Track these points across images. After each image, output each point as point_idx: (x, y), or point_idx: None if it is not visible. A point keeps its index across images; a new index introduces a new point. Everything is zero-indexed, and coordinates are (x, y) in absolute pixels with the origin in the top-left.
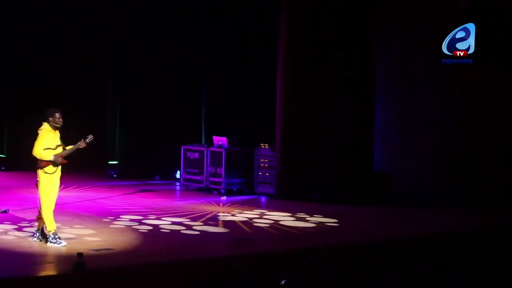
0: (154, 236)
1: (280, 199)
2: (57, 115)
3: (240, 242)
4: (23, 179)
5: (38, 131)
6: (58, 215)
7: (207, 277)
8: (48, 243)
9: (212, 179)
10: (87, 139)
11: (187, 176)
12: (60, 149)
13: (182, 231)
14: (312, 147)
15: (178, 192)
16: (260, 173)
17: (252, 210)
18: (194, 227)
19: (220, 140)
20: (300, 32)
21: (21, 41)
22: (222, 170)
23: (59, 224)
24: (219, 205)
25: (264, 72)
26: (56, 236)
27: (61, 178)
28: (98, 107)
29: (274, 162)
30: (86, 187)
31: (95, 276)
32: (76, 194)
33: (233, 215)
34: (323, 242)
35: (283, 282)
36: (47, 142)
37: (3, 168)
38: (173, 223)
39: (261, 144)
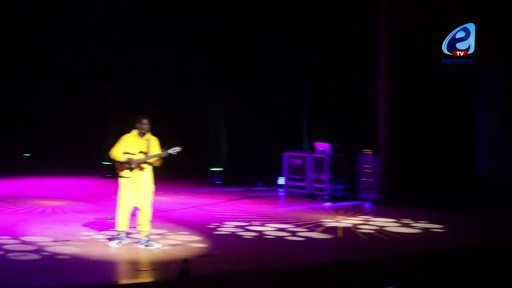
0: (259, 242)
1: (384, 205)
2: (143, 121)
3: (346, 248)
4: None
5: None
6: (164, 222)
7: (312, 283)
8: (110, 242)
9: (315, 185)
10: (172, 150)
11: (290, 183)
12: (141, 155)
13: (286, 237)
14: (415, 152)
15: (281, 198)
16: (363, 179)
17: (356, 216)
18: (298, 233)
19: (323, 146)
20: (401, 40)
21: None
22: (325, 176)
23: (164, 231)
24: (323, 211)
25: (366, 78)
26: (118, 237)
27: (167, 184)
28: (201, 115)
29: (377, 168)
30: (190, 194)
31: (201, 282)
32: (181, 201)
33: (337, 221)
34: (430, 248)
35: None
36: (127, 146)
37: (109, 175)
38: (278, 229)
39: (364, 150)
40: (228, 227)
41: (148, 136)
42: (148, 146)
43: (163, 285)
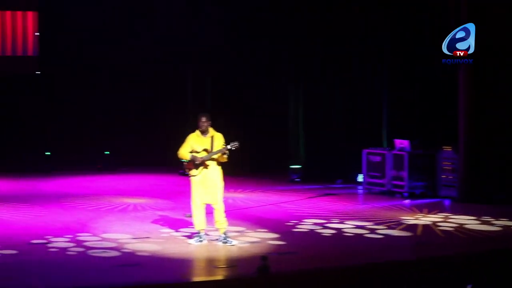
0: (338, 239)
1: (464, 202)
2: (202, 119)
3: (425, 245)
4: None
5: None
6: (242, 219)
7: (391, 280)
8: (190, 240)
9: (394, 182)
10: (231, 145)
11: (369, 180)
12: (204, 153)
13: (365, 235)
14: (496, 149)
15: (360, 195)
16: (443, 176)
17: (435, 214)
18: (377, 231)
19: (402, 143)
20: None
21: None
22: (404, 173)
23: (243, 228)
24: (402, 208)
25: (444, 74)
26: (198, 235)
27: (245, 181)
28: (281, 113)
29: (457, 165)
30: (269, 191)
31: (279, 279)
32: (259, 198)
33: (416, 218)
34: (511, 246)
35: (469, 287)
36: (191, 145)
37: (187, 173)
38: (356, 226)
39: (444, 147)
40: (307, 225)
41: (212, 133)
42: (211, 143)
43: (241, 282)
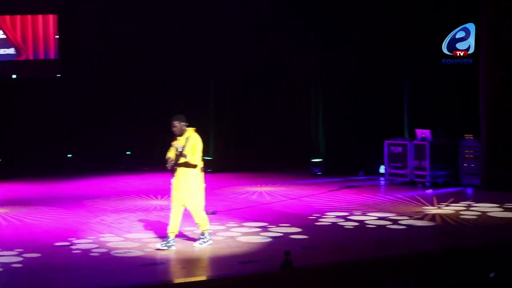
0: (360, 232)
1: (487, 190)
2: (171, 123)
3: (449, 235)
4: (229, 181)
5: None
6: (265, 214)
7: (416, 271)
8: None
9: (416, 172)
10: (180, 149)
11: (391, 171)
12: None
13: (388, 226)
14: None
15: (382, 187)
16: (465, 165)
17: (458, 202)
18: (400, 222)
19: (423, 133)
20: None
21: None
22: (426, 163)
23: (265, 223)
24: (425, 198)
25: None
26: (165, 239)
27: (265, 176)
28: (301, 105)
29: (480, 153)
30: (290, 186)
31: (303, 274)
32: (282, 193)
33: (439, 208)
34: None
35: (492, 275)
36: (174, 147)
37: (209, 170)
38: (379, 218)
39: (466, 135)
40: (329, 218)
41: (188, 134)
42: (184, 145)
43: (265, 277)
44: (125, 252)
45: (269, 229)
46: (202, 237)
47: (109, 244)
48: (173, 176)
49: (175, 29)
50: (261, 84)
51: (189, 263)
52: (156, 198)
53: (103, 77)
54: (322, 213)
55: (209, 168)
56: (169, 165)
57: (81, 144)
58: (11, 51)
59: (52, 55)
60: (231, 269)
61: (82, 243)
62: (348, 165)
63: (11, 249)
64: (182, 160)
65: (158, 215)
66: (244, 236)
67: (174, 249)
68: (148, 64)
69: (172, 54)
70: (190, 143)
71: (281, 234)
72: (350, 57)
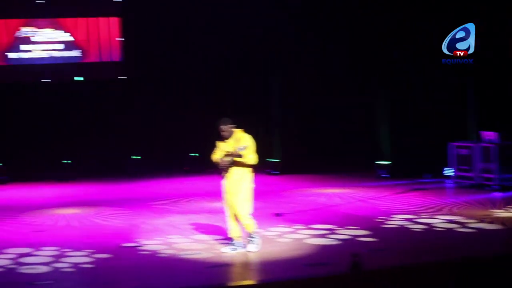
0: (428, 234)
1: None
2: (219, 128)
3: None
4: (295, 183)
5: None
6: (332, 216)
7: (484, 275)
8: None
9: (483, 175)
10: (239, 148)
11: (458, 173)
12: (228, 157)
13: (456, 229)
14: None
15: (449, 189)
16: None
17: None
18: (468, 225)
19: (489, 136)
20: None
21: None
22: (494, 166)
23: (333, 226)
24: (493, 201)
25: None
26: (230, 242)
27: (331, 178)
28: (367, 108)
29: None
30: (357, 188)
31: (371, 276)
32: (348, 195)
33: (507, 211)
34: None
35: None
36: (221, 148)
37: (276, 172)
38: (447, 221)
39: None
40: (396, 220)
41: (238, 136)
42: (235, 146)
43: (333, 279)
44: (192, 254)
45: (336, 231)
46: (251, 238)
47: (176, 246)
48: (223, 178)
49: (238, 32)
50: (326, 85)
51: (256, 266)
52: (222, 200)
53: (166, 79)
54: (389, 215)
55: (275, 170)
56: (222, 166)
57: (145, 145)
58: (76, 53)
59: (115, 57)
60: (299, 272)
61: (150, 244)
62: (414, 168)
63: (81, 250)
64: (238, 159)
65: (224, 217)
66: (311, 238)
67: (241, 251)
68: (210, 66)
69: (235, 56)
70: (244, 144)
71: (349, 237)
72: (414, 58)
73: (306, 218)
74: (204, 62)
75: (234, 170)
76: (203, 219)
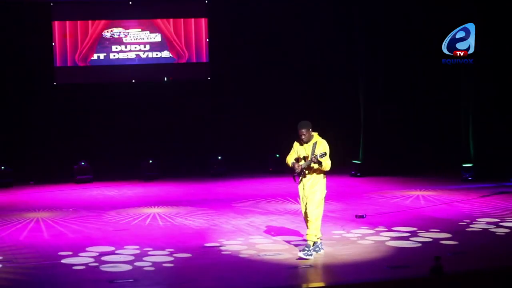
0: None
1: None
2: (299, 131)
3: None
4: (378, 185)
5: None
6: (415, 219)
7: None
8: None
9: None
10: (319, 155)
11: None
12: (304, 161)
13: None
14: None
15: None
16: None
17: None
18: None
19: None
20: None
21: None
22: None
23: (415, 228)
24: None
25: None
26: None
27: (415, 181)
28: (452, 111)
29: None
30: (441, 191)
31: (453, 280)
32: (432, 198)
33: None
34: None
35: None
36: (296, 151)
37: (358, 174)
38: None
39: None
40: (480, 224)
41: (315, 139)
42: (312, 150)
43: (415, 282)
44: (273, 255)
45: (419, 234)
46: (306, 248)
47: (258, 246)
48: (298, 182)
49: (325, 35)
50: (409, 87)
51: (337, 268)
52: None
53: (251, 80)
54: (473, 218)
55: (358, 171)
56: (298, 170)
57: (229, 145)
58: (166, 54)
59: (203, 58)
60: (382, 274)
61: (231, 244)
62: (499, 171)
63: (163, 249)
64: (315, 166)
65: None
66: (393, 240)
67: (322, 253)
68: (296, 68)
69: (321, 57)
70: (319, 149)
71: (431, 239)
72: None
73: (388, 220)
74: (290, 61)
75: (309, 175)
76: (285, 221)
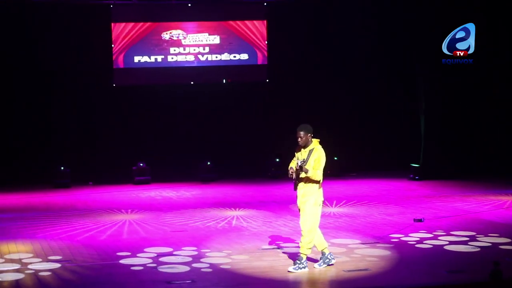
0: None
1: None
2: (296, 133)
3: None
4: (436, 188)
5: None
6: (473, 223)
7: None
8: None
9: None
10: (299, 163)
11: None
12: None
13: None
14: None
15: None
16: None
17: None
18: None
19: None
20: None
21: None
22: None
23: (473, 233)
24: None
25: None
26: (322, 256)
27: (472, 185)
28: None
29: None
30: (499, 195)
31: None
32: (490, 202)
33: None
34: None
35: None
36: (297, 157)
37: (417, 177)
38: None
39: None
40: None
41: (313, 146)
42: (308, 157)
43: (473, 287)
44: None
45: (478, 238)
46: (298, 261)
47: (313, 249)
48: (294, 189)
49: (382, 35)
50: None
51: (392, 271)
52: (361, 203)
53: (309, 83)
54: None
55: (416, 175)
56: (289, 176)
57: (286, 147)
58: (226, 56)
59: (262, 60)
60: (439, 278)
61: (289, 247)
62: None
63: (220, 251)
64: (302, 174)
65: (364, 220)
66: (451, 245)
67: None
68: (352, 67)
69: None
70: (313, 157)
71: (490, 244)
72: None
73: (447, 224)
74: (345, 63)
75: (300, 185)
76: (343, 223)
